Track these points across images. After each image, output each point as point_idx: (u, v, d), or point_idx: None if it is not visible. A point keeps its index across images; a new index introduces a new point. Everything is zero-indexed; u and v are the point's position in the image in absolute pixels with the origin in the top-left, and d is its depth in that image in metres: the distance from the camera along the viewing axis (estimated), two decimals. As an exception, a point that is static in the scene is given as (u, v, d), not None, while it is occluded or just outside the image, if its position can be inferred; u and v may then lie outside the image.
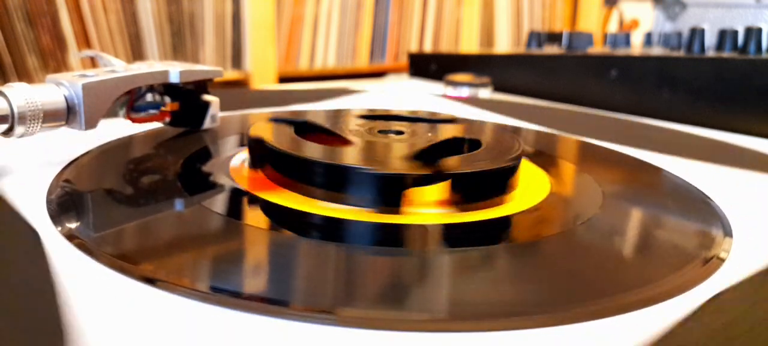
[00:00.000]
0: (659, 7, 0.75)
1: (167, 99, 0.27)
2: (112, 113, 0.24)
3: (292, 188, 0.20)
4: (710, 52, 0.53)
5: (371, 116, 0.28)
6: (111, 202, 0.20)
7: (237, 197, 0.20)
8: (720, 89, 0.41)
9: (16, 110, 0.20)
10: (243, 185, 0.21)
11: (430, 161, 0.20)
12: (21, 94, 0.20)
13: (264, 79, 0.85)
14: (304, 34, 0.93)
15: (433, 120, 0.27)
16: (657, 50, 0.61)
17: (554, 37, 0.70)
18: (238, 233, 0.17)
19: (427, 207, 0.19)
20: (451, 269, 0.16)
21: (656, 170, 0.26)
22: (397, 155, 0.21)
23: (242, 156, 0.25)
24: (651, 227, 0.20)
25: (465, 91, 0.52)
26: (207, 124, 0.29)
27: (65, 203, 0.19)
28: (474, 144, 0.24)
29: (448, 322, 0.13)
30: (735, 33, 0.53)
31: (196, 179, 0.22)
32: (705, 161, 0.28)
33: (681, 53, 0.53)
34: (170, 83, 0.26)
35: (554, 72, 0.54)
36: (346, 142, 0.23)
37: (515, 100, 0.51)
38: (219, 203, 0.20)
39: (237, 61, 0.86)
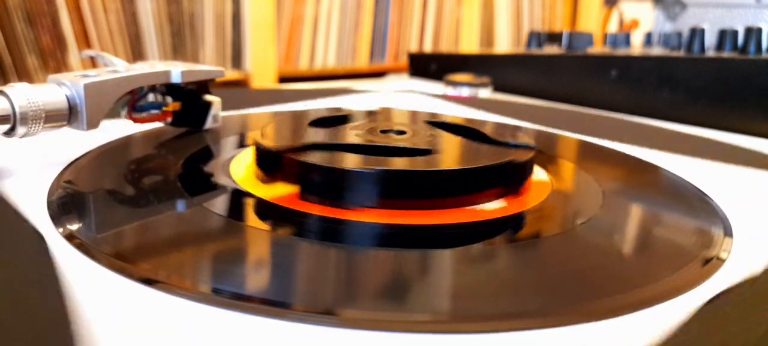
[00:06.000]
0: (659, 7, 0.75)
1: (169, 99, 0.27)
2: (114, 113, 0.25)
3: (294, 187, 0.20)
4: (710, 52, 0.53)
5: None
6: (112, 202, 0.20)
7: (238, 197, 0.20)
8: (720, 89, 0.41)
9: (18, 110, 0.20)
10: (243, 185, 0.21)
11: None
12: (23, 95, 0.20)
13: (264, 79, 0.85)
14: (304, 34, 0.93)
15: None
16: (657, 50, 0.61)
17: (554, 37, 0.70)
18: (238, 234, 0.18)
19: (428, 207, 0.19)
20: (452, 269, 0.16)
21: (656, 170, 0.26)
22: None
23: (243, 156, 0.25)
24: (651, 226, 0.20)
25: (465, 91, 0.52)
26: (209, 124, 0.29)
27: (66, 203, 0.19)
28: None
29: (449, 322, 0.13)
30: (735, 33, 0.53)
31: (196, 180, 0.22)
32: (705, 161, 0.28)
33: (681, 53, 0.53)
34: (172, 83, 0.26)
35: (554, 72, 0.54)
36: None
37: (515, 100, 0.51)
38: (219, 203, 0.20)
39: (237, 61, 0.86)
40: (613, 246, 0.18)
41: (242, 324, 0.12)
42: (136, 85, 0.24)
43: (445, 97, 0.47)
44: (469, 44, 1.12)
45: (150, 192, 0.21)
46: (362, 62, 1.00)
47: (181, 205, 0.20)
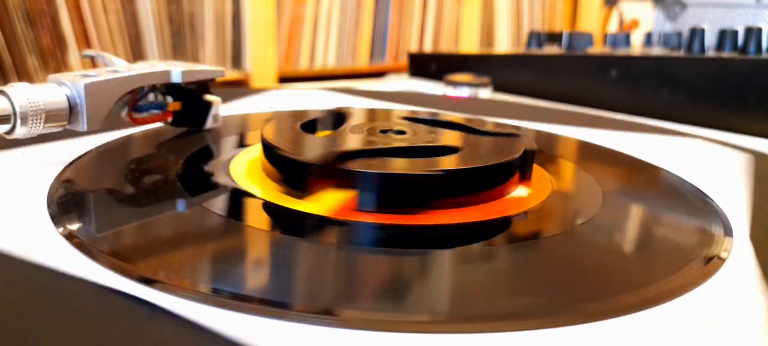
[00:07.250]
0: (659, 7, 0.75)
1: (169, 99, 0.27)
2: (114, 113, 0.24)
3: (295, 189, 0.20)
4: (710, 52, 0.53)
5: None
6: (112, 202, 0.20)
7: (237, 197, 0.20)
8: (720, 89, 0.41)
9: (18, 110, 0.20)
10: (244, 185, 0.21)
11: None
12: (23, 94, 0.20)
13: (264, 79, 0.85)
14: (304, 34, 0.93)
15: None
16: (657, 50, 0.61)
17: (554, 37, 0.70)
18: (238, 234, 0.17)
19: (428, 207, 0.19)
20: (452, 269, 0.16)
21: (656, 170, 0.26)
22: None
23: (243, 156, 0.25)
24: (651, 226, 0.20)
25: (465, 91, 0.52)
26: (209, 124, 0.29)
27: (66, 203, 0.19)
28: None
29: (448, 322, 0.13)
30: (735, 33, 0.53)
31: (196, 180, 0.22)
32: (705, 161, 0.28)
33: (681, 53, 0.53)
34: (172, 83, 0.26)
35: (554, 72, 0.54)
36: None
37: (515, 100, 0.51)
38: (219, 203, 0.20)
39: (237, 61, 0.86)
40: (613, 246, 0.18)
41: (241, 324, 0.12)
42: (136, 85, 0.24)
43: (445, 97, 0.47)
44: (469, 44, 1.12)
45: (150, 192, 0.21)
46: (362, 62, 1.00)
47: (181, 204, 0.20)
